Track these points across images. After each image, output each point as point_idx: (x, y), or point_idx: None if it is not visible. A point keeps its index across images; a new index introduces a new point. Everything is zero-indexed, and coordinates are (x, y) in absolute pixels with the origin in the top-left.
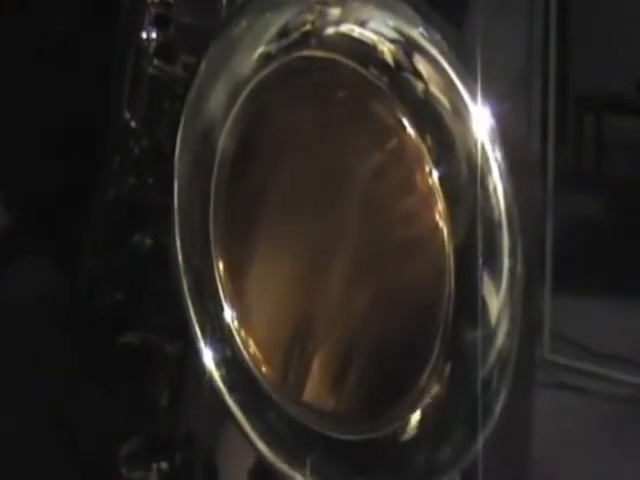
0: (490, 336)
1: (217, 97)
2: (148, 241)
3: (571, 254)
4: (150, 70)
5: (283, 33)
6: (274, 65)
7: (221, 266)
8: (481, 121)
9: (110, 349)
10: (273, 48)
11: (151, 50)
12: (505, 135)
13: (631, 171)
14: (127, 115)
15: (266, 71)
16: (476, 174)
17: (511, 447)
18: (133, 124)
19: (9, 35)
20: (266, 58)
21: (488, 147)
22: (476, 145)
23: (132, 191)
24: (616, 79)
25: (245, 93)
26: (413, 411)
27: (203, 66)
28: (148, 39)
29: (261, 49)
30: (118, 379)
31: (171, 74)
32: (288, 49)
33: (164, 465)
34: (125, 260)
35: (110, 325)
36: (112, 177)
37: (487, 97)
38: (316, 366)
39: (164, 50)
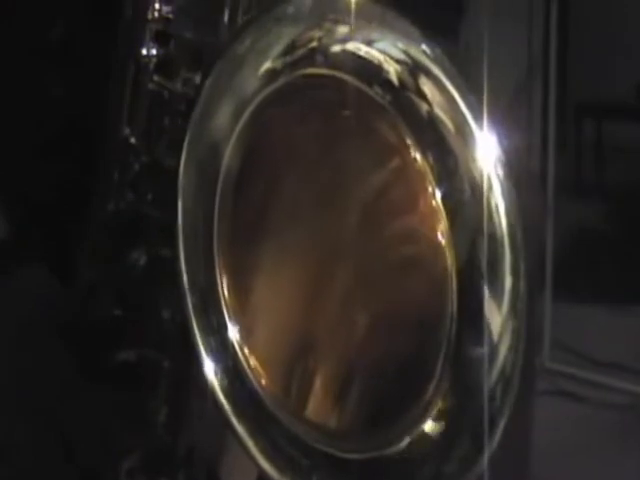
0: (493, 353)
1: (222, 114)
2: (147, 256)
3: (571, 262)
4: (150, 86)
5: (289, 49)
6: (280, 81)
7: (225, 282)
8: (488, 149)
9: (108, 363)
10: (279, 64)
11: (151, 66)
12: (509, 157)
13: (631, 178)
14: (127, 131)
15: (271, 87)
16: (478, 194)
17: (513, 456)
18: (133, 140)
19: (9, 47)
20: (272, 74)
21: (490, 167)
22: (479, 168)
23: (131, 206)
24: (616, 86)
25: (250, 109)
26: (417, 428)
27: (208, 83)
28: (148, 55)
29: (267, 65)
30: (117, 393)
31: (171, 90)
32: (294, 65)
33: None
34: (124, 274)
35: (108, 339)
36: (111, 191)
37: (493, 123)
38: (318, 383)
39: (164, 66)
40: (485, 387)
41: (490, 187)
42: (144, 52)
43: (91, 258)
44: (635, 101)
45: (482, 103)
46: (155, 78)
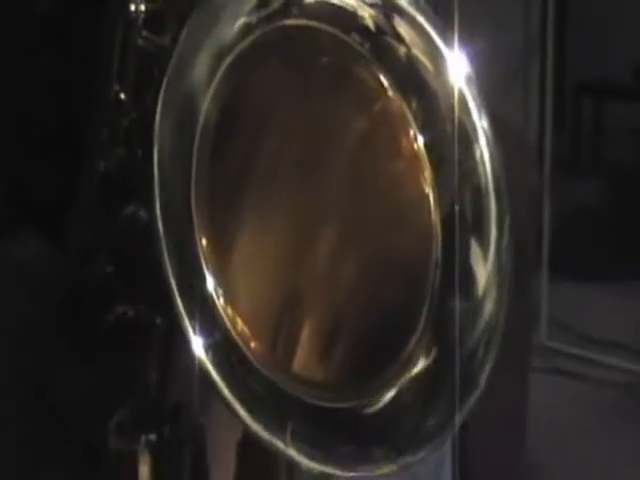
0: (478, 305)
1: (200, 64)
2: (138, 213)
3: (568, 240)
4: (139, 42)
5: (263, 3)
6: (256, 34)
7: (204, 240)
8: (458, 69)
9: (99, 322)
10: (253, 18)
11: (140, 22)
12: (491, 107)
13: (629, 157)
14: (116, 87)
15: (248, 40)
16: (461, 138)
17: (506, 428)
18: (122, 96)
19: None
20: (247, 28)
21: (474, 115)
22: (458, 99)
23: (122, 162)
24: (614, 64)
25: (228, 61)
26: (400, 379)
27: (185, 34)
28: (137, 11)
29: (242, 20)
30: (106, 352)
31: (160, 45)
32: (269, 19)
33: (152, 437)
34: (115, 232)
35: (101, 297)
36: (101, 148)
37: (464, 43)
38: (304, 337)
39: (153, 22)
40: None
41: (476, 138)
42: (132, 8)
43: (83, 216)
44: (633, 81)
45: (453, 31)
46: (144, 34)
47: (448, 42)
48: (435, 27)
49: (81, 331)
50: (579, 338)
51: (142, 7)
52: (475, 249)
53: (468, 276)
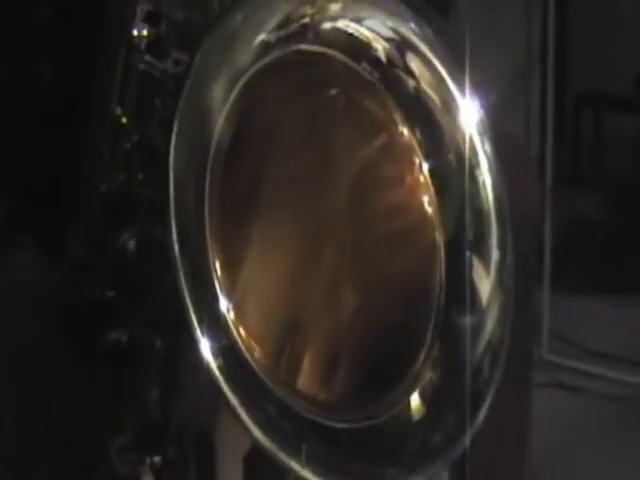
0: (480, 324)
1: (214, 89)
2: (138, 235)
3: (569, 253)
4: (141, 66)
5: (283, 24)
6: (272, 55)
7: (217, 257)
8: (469, 114)
9: (99, 343)
10: (273, 37)
11: (142, 46)
12: (494, 126)
13: (630, 168)
14: (118, 110)
15: (264, 61)
16: (463, 164)
17: (508, 445)
18: (124, 120)
19: None
20: (265, 46)
21: (477, 141)
22: (464, 138)
23: (122, 186)
24: (615, 76)
25: (243, 81)
26: (407, 398)
27: (198, 59)
28: (139, 35)
29: (262, 37)
30: (109, 373)
31: (162, 70)
32: (286, 40)
33: (156, 459)
34: (115, 254)
35: (100, 319)
36: (103, 171)
37: (476, 90)
38: (310, 355)
39: (155, 46)
40: (468, 353)
41: (477, 163)
42: (135, 32)
43: (83, 239)
44: (634, 92)
45: (464, 73)
46: (146, 58)
47: (457, 79)
48: (444, 64)
49: (79, 353)
50: (580, 351)
51: (144, 32)
52: (477, 268)
53: (471, 294)
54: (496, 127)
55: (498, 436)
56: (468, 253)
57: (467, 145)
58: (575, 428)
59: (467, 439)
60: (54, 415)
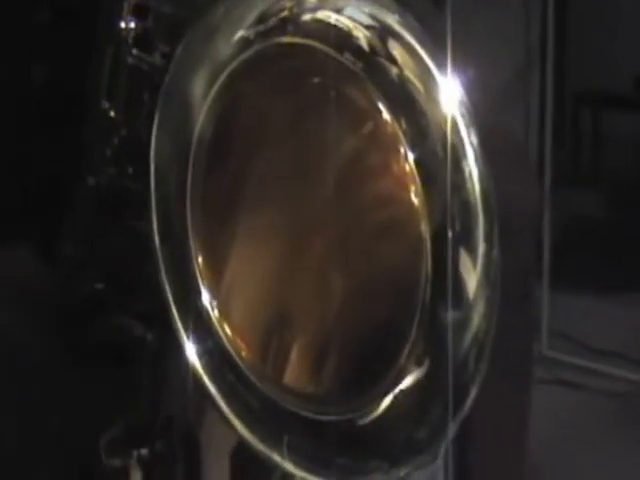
0: (466, 318)
1: (195, 82)
2: (128, 229)
3: (569, 251)
4: (129, 60)
5: (261, 19)
6: (252, 50)
7: (200, 253)
8: (451, 95)
9: (89, 337)
10: (251, 33)
11: (130, 40)
12: (481, 116)
13: (629, 167)
14: (106, 105)
15: (244, 56)
16: (450, 155)
17: (508, 441)
18: (112, 114)
19: None
20: (245, 42)
21: (463, 132)
22: (449, 125)
23: (112, 180)
24: (614, 75)
25: (223, 76)
26: (392, 392)
27: (180, 52)
28: (127, 29)
29: (240, 33)
30: (100, 367)
31: (150, 63)
32: (266, 35)
33: (144, 452)
34: (106, 249)
35: (91, 314)
36: (92, 166)
37: (459, 75)
38: (295, 350)
39: (143, 40)
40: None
41: (464, 154)
42: (123, 26)
43: (73, 233)
44: (633, 91)
45: (446, 54)
46: (134, 52)
47: (441, 65)
48: (428, 50)
49: (71, 346)
50: (579, 348)
51: (132, 25)
52: (464, 260)
53: (458, 287)
54: (483, 117)
55: (497, 433)
56: (453, 246)
57: (449, 129)
58: (575, 425)
59: (450, 432)
60: (45, 410)
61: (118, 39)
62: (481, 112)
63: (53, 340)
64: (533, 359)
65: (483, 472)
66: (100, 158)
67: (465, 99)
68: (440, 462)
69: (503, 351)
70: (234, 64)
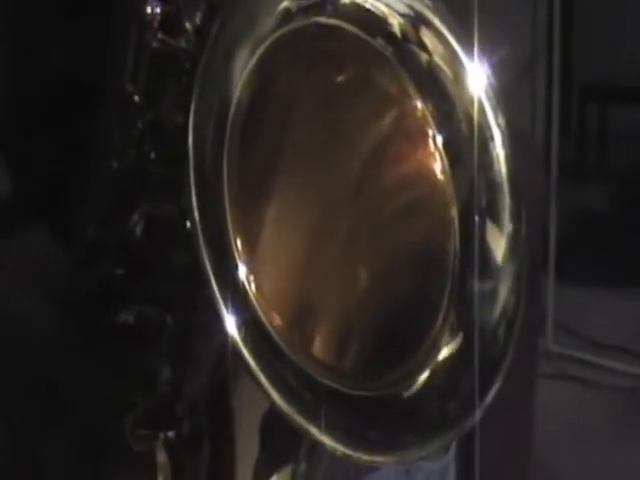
0: (494, 292)
1: (236, 54)
2: (149, 214)
3: (574, 245)
4: (154, 44)
5: None
6: (292, 25)
7: (236, 229)
8: (478, 79)
9: (109, 322)
10: (294, 5)
11: (155, 24)
12: (506, 98)
13: (635, 160)
14: (130, 88)
15: (284, 30)
16: (477, 136)
17: (513, 436)
18: (136, 98)
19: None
20: (286, 14)
21: (490, 114)
22: (475, 106)
23: (134, 164)
24: (620, 69)
25: (263, 47)
26: (424, 366)
27: (217, 28)
28: (152, 13)
29: (284, 4)
30: (120, 351)
31: (176, 47)
32: (306, 11)
33: (171, 434)
34: (126, 233)
35: (111, 297)
36: (114, 149)
37: (484, 55)
38: (326, 326)
39: (168, 24)
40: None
41: (491, 136)
42: (148, 10)
43: (94, 217)
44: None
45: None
46: (159, 36)
47: (468, 52)
48: (456, 36)
49: (91, 330)
50: (585, 343)
51: (157, 9)
52: (491, 233)
53: (485, 259)
54: (509, 97)
55: (503, 428)
56: (479, 220)
57: (476, 110)
58: (580, 419)
59: (477, 414)
60: (65, 395)
61: (143, 23)
62: (506, 95)
63: (70, 324)
64: (538, 354)
65: (489, 466)
66: (122, 142)
67: (492, 82)
68: (452, 454)
69: None
70: (271, 38)
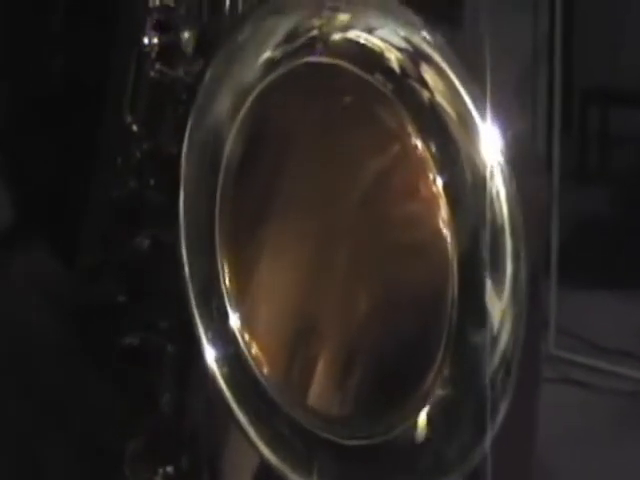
0: (494, 339)
1: (224, 102)
2: (149, 241)
3: (576, 249)
4: (152, 74)
5: (289, 38)
6: (280, 70)
7: (226, 268)
8: (491, 141)
9: (112, 349)
10: (278, 53)
11: (153, 54)
12: (510, 145)
13: (637, 164)
14: (129, 118)
15: (272, 76)
16: (480, 182)
17: (517, 443)
18: (135, 127)
19: (9, 35)
20: (271, 63)
21: (494, 158)
22: (481, 156)
23: (133, 192)
24: (621, 73)
25: (252, 97)
26: (418, 414)
27: (209, 72)
28: (150, 43)
29: (267, 54)
30: (121, 379)
31: (173, 78)
32: (294, 54)
33: (170, 469)
34: (126, 260)
35: (112, 325)
36: (114, 177)
37: (495, 112)
38: (320, 369)
39: (166, 54)
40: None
41: (492, 175)
42: (146, 41)
43: (94, 244)
44: None
45: (485, 93)
46: (157, 66)
47: (473, 93)
48: (460, 77)
49: (93, 357)
50: (587, 347)
51: (155, 40)
52: (491, 286)
53: (484, 312)
54: (510, 140)
55: (505, 432)
56: (480, 268)
57: (487, 168)
58: (582, 423)
59: (488, 452)
60: (68, 420)
61: (141, 54)
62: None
63: (76, 349)
64: (541, 358)
65: (491, 469)
66: (122, 170)
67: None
68: None
69: None
70: (262, 84)
